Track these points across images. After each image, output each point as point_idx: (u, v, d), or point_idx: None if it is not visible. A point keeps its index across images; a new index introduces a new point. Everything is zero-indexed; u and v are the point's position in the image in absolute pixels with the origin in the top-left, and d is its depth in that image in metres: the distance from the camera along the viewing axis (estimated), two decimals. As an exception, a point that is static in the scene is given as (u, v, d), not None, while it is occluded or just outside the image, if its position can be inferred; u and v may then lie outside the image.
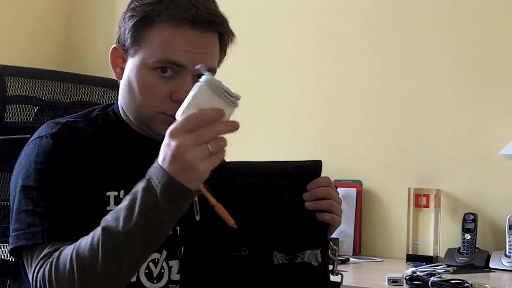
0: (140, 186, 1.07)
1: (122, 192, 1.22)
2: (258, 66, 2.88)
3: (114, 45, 1.29)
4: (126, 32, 1.26)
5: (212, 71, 1.24)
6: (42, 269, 1.11)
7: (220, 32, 1.26)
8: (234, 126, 1.07)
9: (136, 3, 1.26)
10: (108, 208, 1.20)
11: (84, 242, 1.09)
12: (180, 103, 1.10)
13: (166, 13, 1.22)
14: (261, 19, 2.90)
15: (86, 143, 1.24)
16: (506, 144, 2.30)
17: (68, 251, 1.10)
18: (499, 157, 2.34)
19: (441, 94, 2.55)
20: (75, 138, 1.23)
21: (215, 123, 1.05)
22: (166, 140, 1.05)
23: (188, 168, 1.03)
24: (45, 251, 1.13)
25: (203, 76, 1.08)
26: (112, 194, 1.22)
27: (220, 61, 1.30)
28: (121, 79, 1.29)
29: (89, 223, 1.12)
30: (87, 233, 1.10)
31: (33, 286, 1.12)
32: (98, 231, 1.08)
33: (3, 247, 1.58)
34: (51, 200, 1.17)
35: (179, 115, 1.07)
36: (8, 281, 1.47)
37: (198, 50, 1.23)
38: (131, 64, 1.26)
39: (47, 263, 1.10)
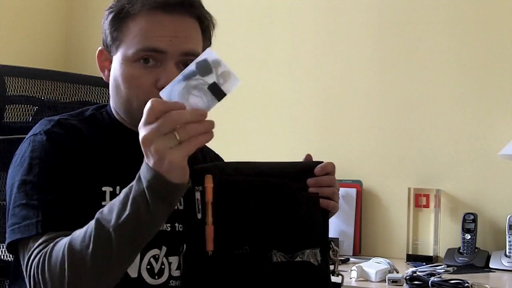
0: (133, 182, 1.06)
1: (118, 188, 1.22)
2: (258, 66, 2.87)
3: (100, 48, 1.29)
4: (106, 30, 1.26)
5: (196, 55, 1.17)
6: (36, 259, 1.09)
7: (196, 15, 1.26)
8: (199, 113, 1.01)
9: (113, 2, 1.27)
10: (103, 203, 1.20)
11: (78, 233, 1.08)
12: None
13: (139, 2, 1.22)
14: (261, 19, 2.90)
15: (80, 139, 1.24)
16: (506, 144, 2.30)
17: (63, 242, 1.09)
18: (499, 157, 2.34)
19: (441, 94, 2.55)
20: (69, 134, 1.23)
21: (175, 111, 1.00)
22: None
23: (159, 160, 1.00)
24: (40, 241, 1.12)
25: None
26: (108, 189, 1.22)
27: (204, 47, 1.27)
28: (109, 81, 1.29)
29: (84, 217, 1.11)
30: (82, 227, 1.09)
31: (27, 277, 1.11)
32: (91, 223, 1.07)
33: (3, 247, 1.58)
34: (44, 193, 1.16)
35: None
36: (8, 281, 1.46)
37: (175, 34, 1.22)
38: (114, 61, 1.26)
39: (42, 253, 1.09)
